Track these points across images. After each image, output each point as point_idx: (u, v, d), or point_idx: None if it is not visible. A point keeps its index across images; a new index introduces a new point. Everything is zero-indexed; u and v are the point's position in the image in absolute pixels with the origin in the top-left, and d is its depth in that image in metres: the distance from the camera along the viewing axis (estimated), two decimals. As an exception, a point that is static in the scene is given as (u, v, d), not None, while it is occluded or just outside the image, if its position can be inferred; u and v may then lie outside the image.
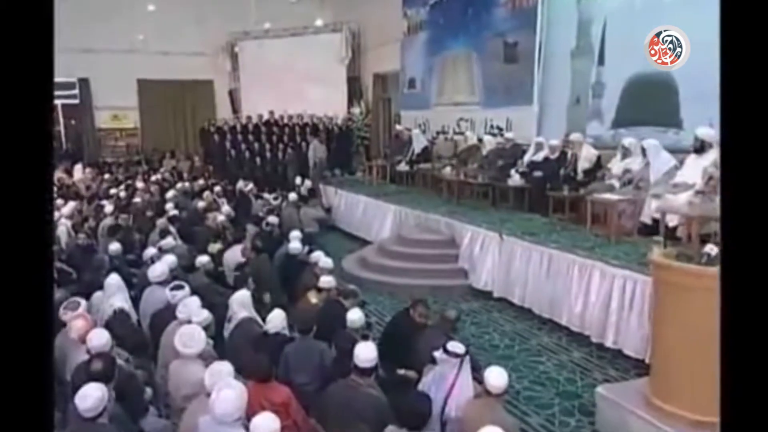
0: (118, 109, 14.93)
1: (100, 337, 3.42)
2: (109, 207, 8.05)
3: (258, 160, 13.32)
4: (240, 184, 11.39)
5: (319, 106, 13.97)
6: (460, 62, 10.05)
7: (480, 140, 9.11)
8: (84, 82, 14.23)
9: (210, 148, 14.21)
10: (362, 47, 14.44)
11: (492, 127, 9.28)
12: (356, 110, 14.20)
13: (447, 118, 10.46)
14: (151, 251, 5.76)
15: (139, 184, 10.37)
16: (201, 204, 8.93)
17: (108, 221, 7.80)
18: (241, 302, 4.32)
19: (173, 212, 8.03)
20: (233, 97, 15.45)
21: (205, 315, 3.95)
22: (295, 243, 6.27)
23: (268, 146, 13.49)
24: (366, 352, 3.13)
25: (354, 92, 14.46)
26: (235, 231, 7.29)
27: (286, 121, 14.13)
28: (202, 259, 5.70)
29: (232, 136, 13.90)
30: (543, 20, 7.97)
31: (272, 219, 7.54)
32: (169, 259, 5.29)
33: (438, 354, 3.17)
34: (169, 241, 6.39)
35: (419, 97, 11.25)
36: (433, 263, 6.91)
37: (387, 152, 11.39)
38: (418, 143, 10.27)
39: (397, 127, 11.28)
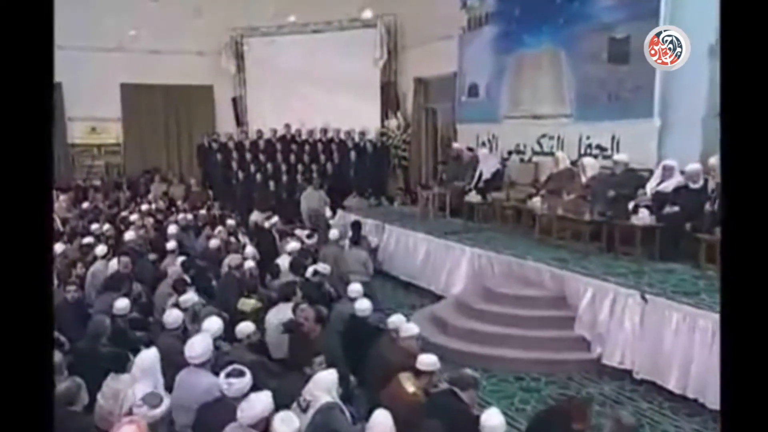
0: (97, 121, 14.56)
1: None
2: (101, 248, 7.54)
3: (272, 184, 13.10)
4: (255, 216, 11.02)
5: (347, 119, 13.80)
6: (543, 63, 9.58)
7: (575, 163, 8.55)
8: (55, 87, 13.84)
9: (210, 169, 13.99)
10: (400, 46, 14.25)
11: (590, 146, 8.71)
12: (392, 123, 13.96)
13: (523, 134, 9.98)
14: (175, 315, 5.13)
15: (133, 217, 9.87)
16: (214, 243, 8.44)
17: (99, 266, 7.30)
18: (326, 387, 3.90)
19: (180, 257, 7.51)
20: (237, 106, 15.21)
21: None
22: (362, 302, 5.71)
23: (284, 167, 13.34)
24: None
25: (389, 101, 14.25)
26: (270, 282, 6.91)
27: (305, 136, 14.01)
28: (245, 328, 5.09)
29: (239, 154, 13.75)
30: (667, 8, 7.45)
31: (323, 267, 7.01)
32: (213, 327, 4.77)
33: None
34: (189, 298, 5.81)
35: (484, 108, 10.82)
36: (538, 329, 6.38)
37: (443, 177, 10.85)
38: (488, 166, 9.84)
39: (455, 145, 10.85)
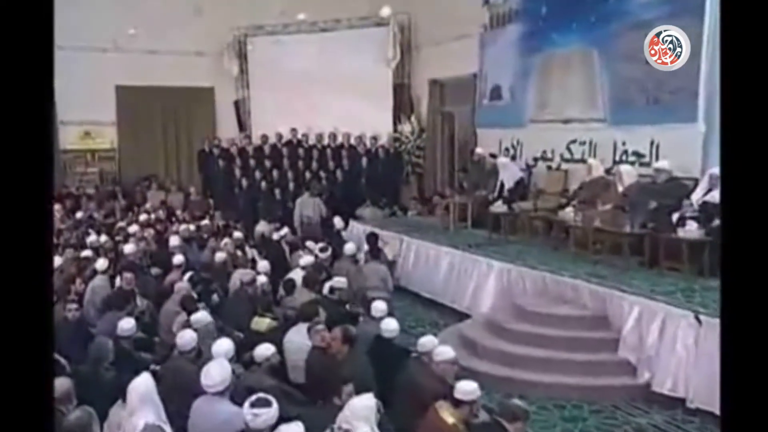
0: (90, 125, 14.37)
1: None
2: (101, 262, 7.40)
3: (278, 192, 12.96)
4: (262, 226, 10.95)
5: (357, 123, 13.73)
6: (573, 64, 9.41)
7: (610, 171, 8.37)
8: (47, 89, 13.72)
9: (211, 176, 13.85)
10: (414, 45, 14.10)
11: (626, 153, 8.54)
12: (406, 128, 13.79)
13: (551, 139, 9.81)
14: (188, 337, 4.94)
15: (132, 228, 9.73)
16: (220, 257, 8.39)
17: (100, 282, 7.20)
18: (364, 415, 3.73)
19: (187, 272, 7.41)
20: (240, 109, 15.05)
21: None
22: (388, 322, 5.53)
23: (291, 174, 13.22)
24: None
25: (402, 104, 14.13)
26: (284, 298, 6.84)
27: (313, 141, 13.95)
28: (264, 350, 4.91)
29: (242, 160, 13.64)
30: (713, 4, 7.26)
31: (339, 281, 6.87)
32: (224, 349, 4.65)
33: None
34: (202, 317, 5.66)
35: (507, 111, 10.66)
36: (577, 351, 6.20)
37: (463, 185, 10.74)
38: (509, 174, 9.68)
39: (478, 150, 10.68)
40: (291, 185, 12.94)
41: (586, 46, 9.15)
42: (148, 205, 12.76)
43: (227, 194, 13.22)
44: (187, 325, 5.52)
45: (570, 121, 9.48)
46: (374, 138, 13.54)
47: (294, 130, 13.89)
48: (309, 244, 9.12)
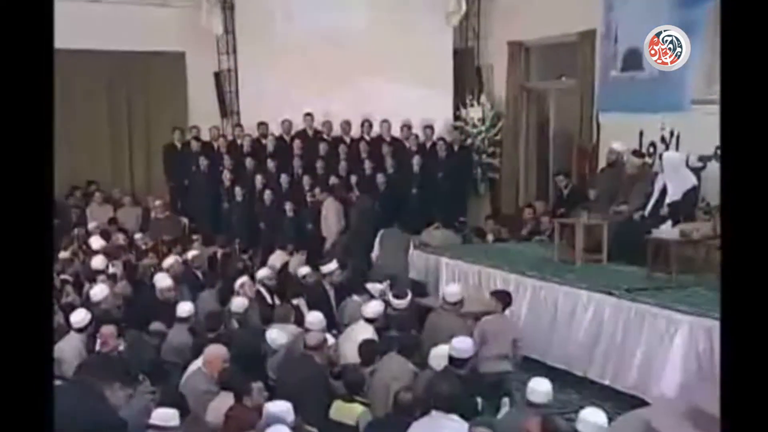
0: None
1: None
2: (80, 315, 7.27)
3: (289, 208, 12.71)
4: (278, 257, 11.06)
5: (401, 106, 13.79)
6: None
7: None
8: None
9: (184, 182, 13.83)
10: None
11: None
12: (474, 113, 13.72)
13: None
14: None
15: (96, 262, 9.71)
16: (240, 303, 8.35)
17: (74, 343, 7.07)
18: None
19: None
20: (223, 85, 14.82)
21: None
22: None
23: (307, 180, 13.08)
24: None
25: (467, 79, 14.14)
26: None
27: (337, 132, 13.98)
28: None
29: (234, 160, 13.56)
30: None
31: (463, 345, 6.65)
32: None
33: None
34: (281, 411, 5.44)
35: (653, 88, 10.40)
36: None
37: (598, 196, 10.42)
38: (677, 181, 9.22)
39: (615, 146, 10.34)
40: (308, 196, 12.76)
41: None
42: (91, 226, 12.66)
43: (211, 210, 13.27)
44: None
45: (760, 101, 9.03)
46: (428, 127, 13.52)
47: (309, 116, 13.76)
48: (369, 285, 9.15)
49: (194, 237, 12.12)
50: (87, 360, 6.45)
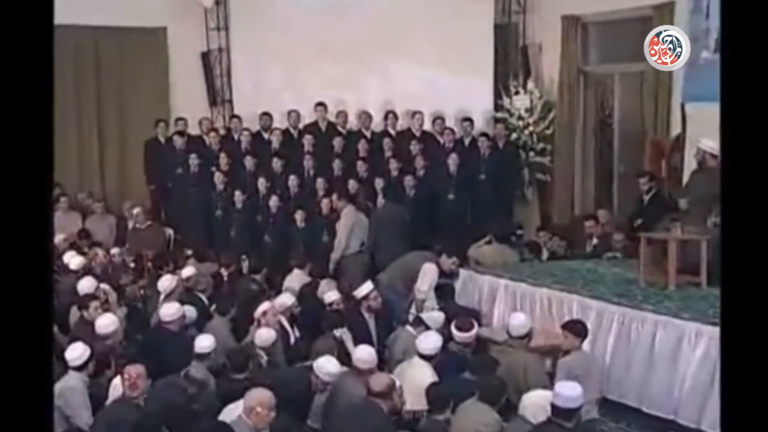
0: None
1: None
2: (76, 350, 7.35)
3: (300, 217, 12.69)
4: (297, 277, 10.89)
5: (432, 94, 14.06)
6: None
7: None
8: None
9: (170, 185, 13.85)
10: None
11: None
12: (519, 102, 13.72)
13: None
14: None
15: (84, 285, 9.72)
16: (267, 336, 8.41)
17: (73, 384, 7.16)
18: None
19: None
20: (211, 67, 14.79)
21: None
22: None
23: (321, 184, 12.99)
24: None
25: (510, 62, 14.27)
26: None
27: (356, 126, 13.94)
28: None
29: (230, 158, 13.42)
30: None
31: (572, 391, 6.44)
32: None
33: None
34: None
35: None
36: None
37: (691, 205, 10.24)
38: None
39: (708, 144, 10.04)
40: (324, 203, 12.61)
41: None
42: (58, 238, 12.24)
43: (202, 218, 13.29)
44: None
45: None
46: (467, 120, 13.47)
47: (322, 107, 13.55)
48: (424, 315, 9.27)
49: (188, 252, 12.08)
50: (110, 410, 6.70)
